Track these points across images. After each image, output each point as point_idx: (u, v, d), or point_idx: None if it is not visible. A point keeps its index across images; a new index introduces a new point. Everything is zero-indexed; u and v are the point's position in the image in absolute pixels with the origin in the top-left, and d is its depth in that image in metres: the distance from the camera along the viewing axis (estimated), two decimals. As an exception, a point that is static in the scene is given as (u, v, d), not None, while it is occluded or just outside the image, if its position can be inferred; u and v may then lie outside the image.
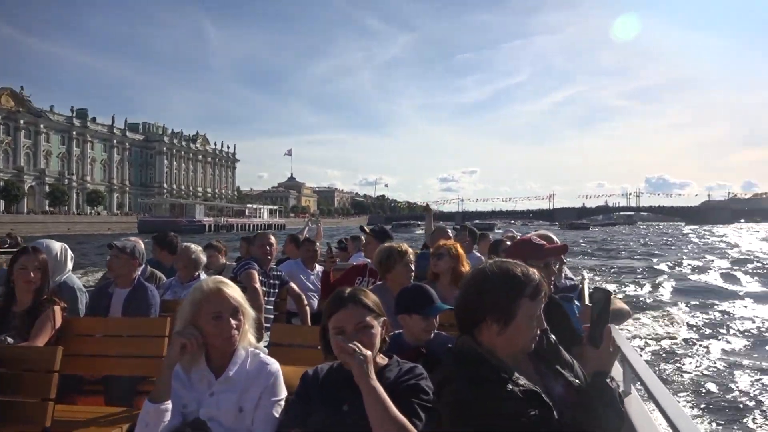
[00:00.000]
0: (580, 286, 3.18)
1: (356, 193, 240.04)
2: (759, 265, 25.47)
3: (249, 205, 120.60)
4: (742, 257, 30.95)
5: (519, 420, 1.61)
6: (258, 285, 4.42)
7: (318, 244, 6.64)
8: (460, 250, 4.09)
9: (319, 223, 12.65)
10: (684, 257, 31.62)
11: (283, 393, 2.08)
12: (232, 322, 2.05)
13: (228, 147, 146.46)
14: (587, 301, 1.91)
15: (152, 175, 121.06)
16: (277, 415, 2.00)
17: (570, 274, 5.12)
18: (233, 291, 2.11)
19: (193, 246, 4.77)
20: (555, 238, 3.11)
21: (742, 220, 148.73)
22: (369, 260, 4.52)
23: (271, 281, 4.81)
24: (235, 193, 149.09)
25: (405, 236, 35.51)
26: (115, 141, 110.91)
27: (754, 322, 12.23)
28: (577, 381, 1.84)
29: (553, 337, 1.95)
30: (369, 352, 1.79)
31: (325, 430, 1.78)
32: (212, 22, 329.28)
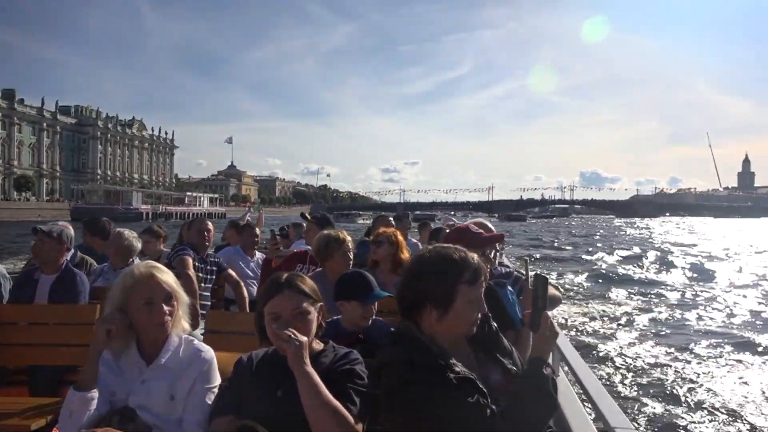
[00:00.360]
0: (516, 273, 3.25)
1: (298, 183, 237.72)
2: (682, 255, 27.07)
3: (188, 193, 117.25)
4: (665, 247, 32.83)
5: (454, 406, 1.63)
6: (192, 271, 4.31)
7: (258, 231, 6.53)
8: (400, 238, 4.13)
9: (260, 210, 12.47)
10: (614, 247, 33.14)
11: (217, 380, 2.04)
12: (165, 308, 2.00)
13: (166, 133, 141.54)
14: (530, 287, 1.97)
15: (85, 160, 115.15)
16: (210, 402, 1.96)
17: (507, 262, 5.27)
18: (166, 276, 2.05)
19: (126, 232, 4.59)
20: (491, 226, 3.18)
21: (667, 214, 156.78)
22: (310, 247, 4.50)
23: (208, 267, 4.70)
24: (173, 180, 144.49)
25: (347, 226, 35.48)
26: (45, 124, 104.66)
27: (674, 306, 13.04)
28: (514, 368, 1.88)
29: (495, 324, 1.99)
30: (305, 338, 1.79)
31: (258, 416, 1.75)
32: (149, 3, 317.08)
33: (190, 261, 4.38)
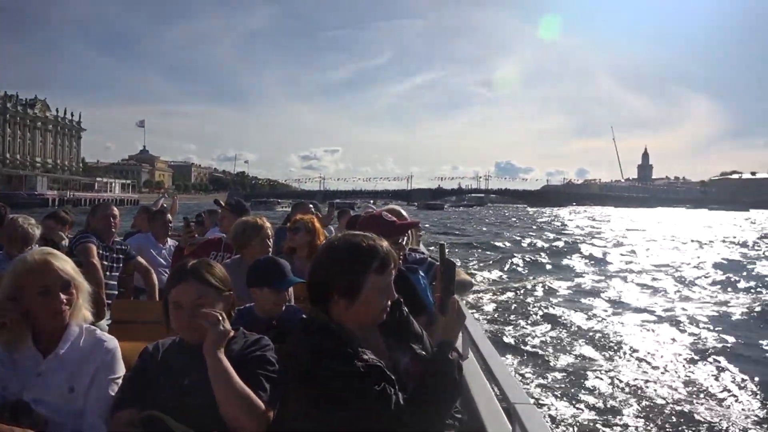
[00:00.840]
0: (430, 259, 3.34)
1: (215, 169, 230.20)
2: (588, 240, 28.81)
3: (99, 179, 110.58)
4: (574, 233, 34.85)
5: (359, 394, 1.64)
6: (96, 260, 4.10)
7: (171, 217, 6.29)
8: (317, 225, 4.13)
9: (174, 196, 12.01)
10: (528, 234, 34.68)
11: (121, 371, 1.96)
12: (62, 296, 1.88)
13: (72, 115, 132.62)
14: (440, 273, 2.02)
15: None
16: (113, 393, 1.88)
17: (423, 249, 5.39)
18: (63, 263, 1.93)
19: (21, 218, 4.28)
20: (404, 213, 3.23)
21: (575, 204, 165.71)
22: (224, 234, 4.40)
23: (114, 255, 4.49)
24: (81, 164, 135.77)
25: (266, 214, 34.85)
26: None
27: (581, 291, 13.86)
28: (423, 353, 1.90)
29: (406, 309, 2.01)
30: (228, 328, 1.78)
31: (165, 405, 1.72)
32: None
33: (94, 249, 4.17)
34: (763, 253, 24.42)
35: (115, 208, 4.70)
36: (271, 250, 3.55)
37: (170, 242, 5.75)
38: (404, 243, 2.87)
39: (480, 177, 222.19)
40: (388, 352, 1.85)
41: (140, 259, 4.75)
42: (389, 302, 1.84)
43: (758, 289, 14.56)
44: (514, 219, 67.74)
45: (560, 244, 28.32)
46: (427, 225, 39.33)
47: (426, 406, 1.73)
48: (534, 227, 46.82)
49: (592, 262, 21.00)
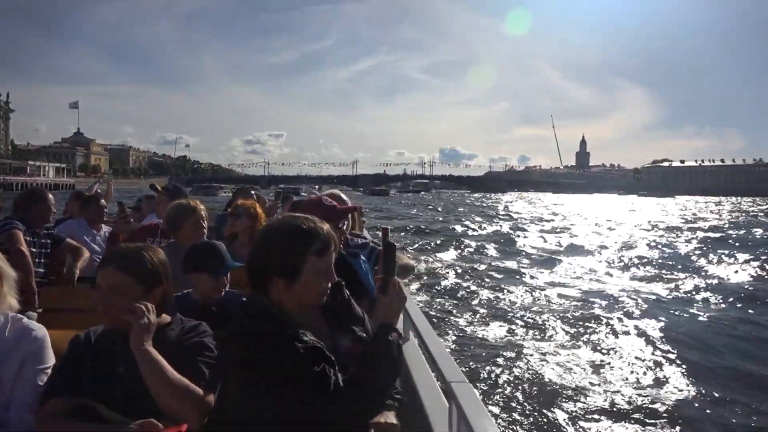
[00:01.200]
0: (372, 244, 3.36)
1: (154, 153, 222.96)
2: (527, 224, 29.71)
3: (31, 162, 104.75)
4: (515, 218, 35.86)
5: (299, 375, 1.64)
6: (23, 246, 3.91)
7: (106, 203, 6.05)
8: (260, 210, 4.08)
9: (110, 181, 11.56)
10: (474, 219, 35.40)
11: (50, 360, 1.89)
12: None
13: (0, 95, 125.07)
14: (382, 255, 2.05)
15: None
16: (41, 384, 1.82)
17: (366, 234, 5.42)
18: None
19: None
20: (345, 197, 3.22)
21: (516, 190, 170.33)
22: (161, 220, 4.29)
23: (42, 241, 4.29)
24: (10, 147, 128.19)
25: (208, 199, 34.08)
26: None
27: (519, 272, 14.30)
28: (365, 335, 1.91)
29: (347, 292, 2.01)
30: (153, 318, 1.75)
31: (96, 394, 1.68)
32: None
33: (21, 235, 3.97)
34: (676, 237, 26.22)
35: (50, 193, 4.47)
36: (205, 233, 3.47)
37: (105, 228, 5.54)
38: (345, 228, 2.88)
39: (425, 163, 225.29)
40: (329, 335, 1.85)
41: (70, 240, 4.55)
42: (329, 285, 1.83)
43: (671, 268, 15.88)
44: (458, 204, 69.04)
45: (501, 228, 29.15)
46: (371, 211, 39.60)
47: (365, 387, 1.74)
48: (477, 212, 47.78)
49: (530, 245, 21.81)
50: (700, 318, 9.88)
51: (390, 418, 1.87)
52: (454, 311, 10.04)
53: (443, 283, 12.76)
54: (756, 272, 15.35)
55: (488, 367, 6.88)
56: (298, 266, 1.74)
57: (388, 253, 1.99)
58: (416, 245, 21.05)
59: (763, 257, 17.74)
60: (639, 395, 6.11)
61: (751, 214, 55.72)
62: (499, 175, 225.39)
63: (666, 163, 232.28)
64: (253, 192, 6.00)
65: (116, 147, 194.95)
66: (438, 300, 10.95)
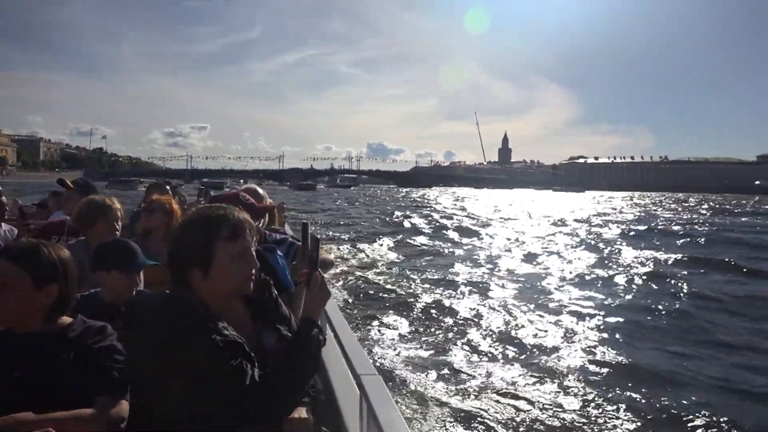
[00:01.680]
0: (291, 239, 3.35)
1: (67, 144, 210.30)
2: (449, 218, 30.48)
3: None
4: (439, 212, 36.67)
5: (215, 368, 1.63)
6: None
7: (5, 199, 5.67)
8: (175, 206, 3.97)
9: (7, 172, 10.77)
10: (395, 214, 35.79)
11: None
12: None
13: None
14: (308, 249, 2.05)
15: None
16: None
17: (288, 229, 5.39)
18: None
19: None
20: (262, 192, 3.20)
21: (441, 185, 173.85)
22: (69, 217, 4.08)
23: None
24: None
25: (126, 194, 32.56)
26: None
27: (441, 266, 14.63)
28: (290, 334, 1.91)
29: (275, 291, 2.01)
30: None
31: None
32: None
33: None
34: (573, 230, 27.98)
35: None
36: (119, 234, 3.35)
37: (5, 227, 5.20)
38: (261, 225, 2.86)
39: (352, 158, 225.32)
40: (255, 331, 1.85)
41: None
42: (253, 272, 1.82)
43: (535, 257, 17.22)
44: (385, 199, 69.72)
45: (425, 222, 29.70)
46: (298, 205, 39.27)
47: (283, 382, 1.75)
48: (402, 207, 48.37)
49: (453, 238, 22.49)
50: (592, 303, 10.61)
51: (302, 413, 1.89)
52: (371, 305, 10.14)
53: (363, 277, 12.82)
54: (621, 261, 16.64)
55: (401, 360, 6.98)
56: (209, 252, 1.74)
57: (312, 246, 2.00)
58: (338, 239, 21.09)
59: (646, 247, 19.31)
60: (539, 380, 6.41)
61: (647, 207, 59.79)
62: (425, 170, 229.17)
63: (582, 160, 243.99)
64: (168, 186, 5.83)
65: (24, 138, 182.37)
66: (355, 294, 11.01)
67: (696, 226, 30.96)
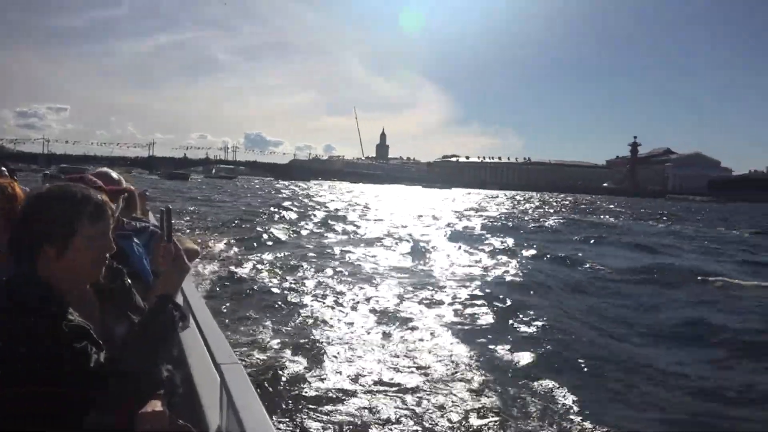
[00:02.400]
0: (152, 227, 3.19)
1: None
2: (325, 211, 30.80)
3: None
4: (314, 205, 36.85)
5: (57, 352, 1.54)
6: None
7: None
8: (18, 190, 3.61)
9: None
10: (271, 205, 35.34)
11: None
12: None
13: None
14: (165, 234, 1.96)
15: None
16: None
17: (151, 218, 5.11)
18: None
19: None
20: (116, 176, 3.00)
21: (320, 178, 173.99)
22: None
23: None
24: None
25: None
26: None
27: (315, 256, 14.69)
28: None
29: (129, 281, 1.94)
30: None
31: None
32: None
33: None
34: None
35: None
36: None
37: None
38: (116, 211, 2.69)
39: (229, 148, 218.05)
40: (104, 320, 1.77)
41: None
42: (106, 258, 1.75)
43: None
44: (261, 191, 68.50)
45: (298, 215, 29.76)
46: (169, 193, 37.36)
47: (133, 363, 1.66)
48: (279, 199, 47.86)
49: (326, 230, 22.89)
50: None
51: (157, 406, 1.82)
52: (237, 294, 9.97)
53: (227, 266, 12.57)
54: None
55: (264, 349, 6.92)
56: (69, 231, 1.66)
57: (166, 217, 1.92)
58: (208, 229, 20.55)
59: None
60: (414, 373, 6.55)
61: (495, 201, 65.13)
62: (303, 163, 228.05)
63: (454, 158, 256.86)
64: (3, 168, 5.30)
65: None
66: (216, 283, 10.75)
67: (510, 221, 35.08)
